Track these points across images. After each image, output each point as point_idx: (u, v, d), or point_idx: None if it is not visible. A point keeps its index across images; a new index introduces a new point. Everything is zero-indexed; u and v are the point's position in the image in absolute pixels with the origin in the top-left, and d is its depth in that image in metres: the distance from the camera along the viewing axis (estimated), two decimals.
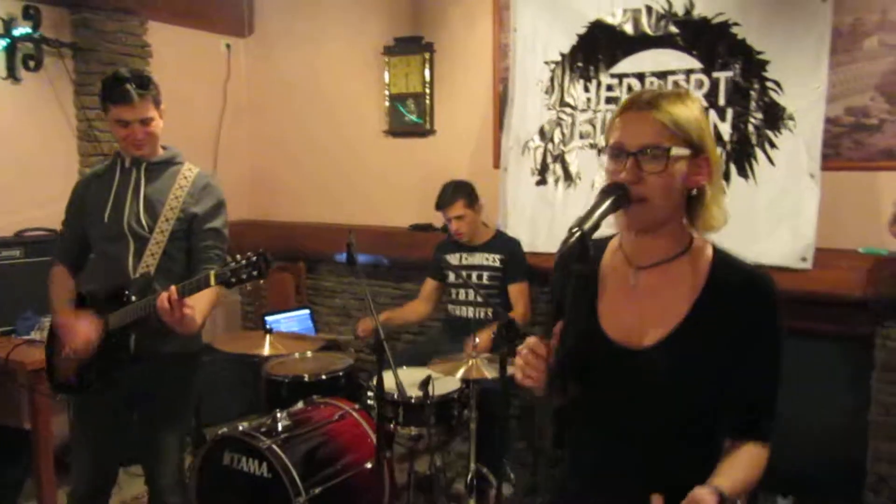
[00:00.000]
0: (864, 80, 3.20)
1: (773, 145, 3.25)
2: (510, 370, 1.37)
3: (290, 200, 4.83)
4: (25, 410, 3.05)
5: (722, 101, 3.35)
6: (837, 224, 3.17)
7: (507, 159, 3.86)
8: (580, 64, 3.70)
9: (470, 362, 2.82)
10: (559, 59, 3.74)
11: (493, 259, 3.58)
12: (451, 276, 3.65)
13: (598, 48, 3.64)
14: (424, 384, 2.79)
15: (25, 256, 3.38)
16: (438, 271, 3.73)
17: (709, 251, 1.39)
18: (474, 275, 3.58)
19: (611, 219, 1.29)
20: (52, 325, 2.48)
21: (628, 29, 3.56)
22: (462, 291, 3.63)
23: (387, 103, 4.35)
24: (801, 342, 3.15)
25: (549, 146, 3.78)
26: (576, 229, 1.18)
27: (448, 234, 3.68)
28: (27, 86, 3.64)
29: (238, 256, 2.12)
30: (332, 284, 4.64)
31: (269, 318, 4.28)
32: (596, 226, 1.22)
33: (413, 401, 2.88)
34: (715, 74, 3.37)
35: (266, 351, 3.01)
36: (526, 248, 3.67)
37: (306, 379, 3.28)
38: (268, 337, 3.06)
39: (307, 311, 4.48)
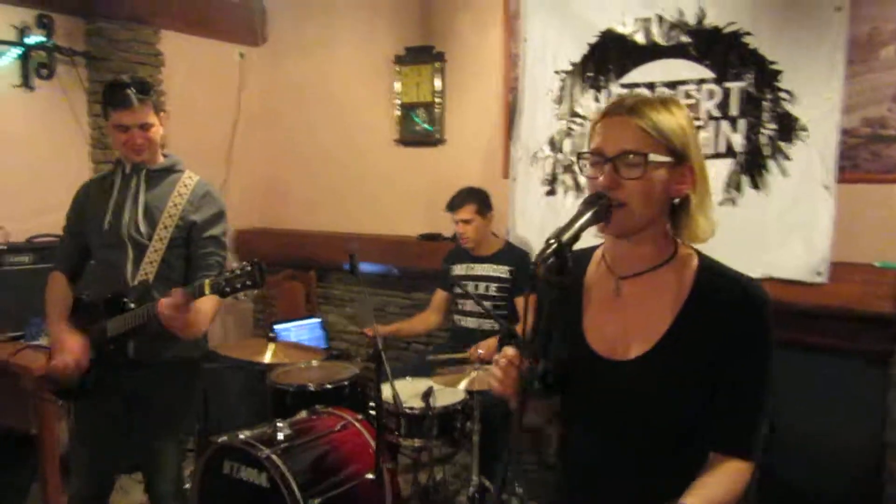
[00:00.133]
0: (882, 91, 3.13)
1: (786, 156, 3.19)
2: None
3: (302, 209, 4.84)
4: (32, 415, 3.05)
5: (734, 112, 3.30)
6: (853, 237, 3.10)
7: (517, 169, 3.83)
8: (590, 74, 3.66)
9: (473, 374, 2.79)
10: (569, 68, 3.71)
11: (501, 270, 3.55)
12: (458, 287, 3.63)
13: (608, 58, 3.60)
14: (426, 395, 2.76)
15: (35, 262, 3.41)
16: (447, 282, 3.70)
17: (694, 260, 1.35)
18: (482, 285, 3.55)
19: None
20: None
21: (639, 38, 3.52)
22: (468, 302, 3.61)
23: (397, 112, 4.35)
24: (813, 357, 3.10)
25: (559, 156, 3.75)
26: (553, 241, 1.16)
27: (457, 243, 3.66)
28: (40, 94, 3.68)
29: (233, 266, 2.12)
30: (342, 293, 4.63)
31: (278, 327, 4.29)
32: (575, 237, 1.19)
33: (416, 412, 2.85)
34: (727, 84, 3.31)
35: (268, 359, 3.00)
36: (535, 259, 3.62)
37: (311, 388, 3.26)
38: (270, 345, 3.05)
39: (317, 320, 4.48)
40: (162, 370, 2.41)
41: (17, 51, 3.57)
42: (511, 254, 3.60)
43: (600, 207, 1.24)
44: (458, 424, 2.95)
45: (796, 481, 3.08)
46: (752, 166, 3.27)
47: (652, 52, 3.50)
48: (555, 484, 1.52)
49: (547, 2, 3.75)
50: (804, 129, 3.14)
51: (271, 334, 3.11)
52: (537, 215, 3.80)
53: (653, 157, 1.24)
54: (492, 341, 3.27)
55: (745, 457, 1.30)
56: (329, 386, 3.27)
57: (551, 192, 3.78)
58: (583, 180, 3.69)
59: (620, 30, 3.57)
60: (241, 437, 2.73)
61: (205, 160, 4.54)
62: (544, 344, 1.24)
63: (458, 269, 3.62)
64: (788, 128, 3.18)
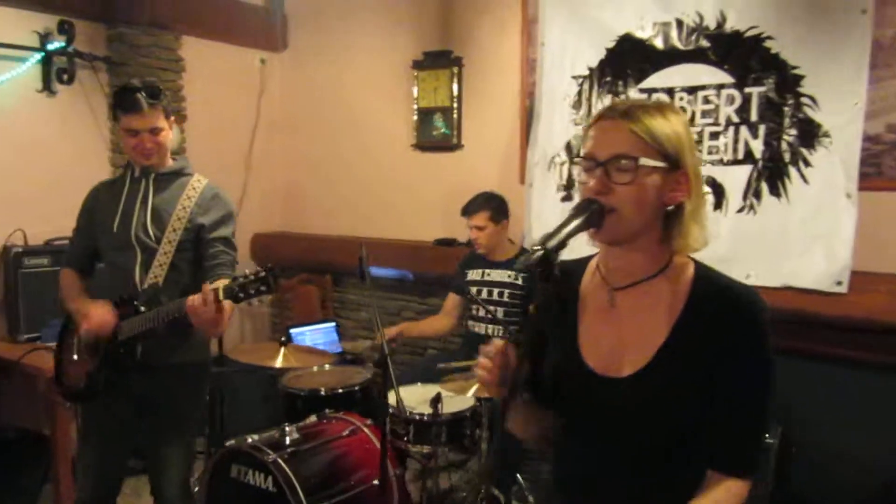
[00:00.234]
0: None
1: (807, 163, 3.11)
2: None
3: (320, 213, 4.85)
4: (45, 416, 3.09)
5: (754, 118, 3.24)
6: (877, 246, 3.02)
7: (533, 175, 3.80)
8: (608, 78, 3.62)
9: None
10: (587, 73, 3.67)
11: (515, 276, 3.52)
12: (473, 291, 3.60)
13: (626, 63, 3.56)
14: (435, 402, 2.74)
15: (53, 265, 3.45)
16: (461, 286, 3.68)
17: (690, 269, 1.31)
18: (496, 291, 3.52)
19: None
20: (67, 315, 2.50)
21: (658, 43, 3.47)
22: (481, 307, 3.58)
23: (415, 117, 4.34)
24: (833, 369, 3.02)
25: (576, 162, 3.71)
26: (538, 247, 1.13)
27: (472, 249, 3.64)
28: (62, 99, 3.73)
29: (247, 271, 2.13)
30: (358, 297, 4.63)
31: (294, 331, 4.30)
32: (562, 244, 1.15)
33: (425, 418, 2.83)
34: (747, 90, 3.25)
35: (279, 363, 3.00)
36: None
37: (322, 393, 3.25)
38: (282, 349, 3.05)
39: (332, 324, 4.48)
40: (170, 374, 2.42)
41: (38, 56, 3.62)
42: None
43: (591, 213, 1.21)
44: (468, 431, 2.92)
45: (814, 496, 3.00)
46: (773, 173, 3.20)
47: (671, 56, 3.45)
48: (549, 495, 1.49)
49: (565, 6, 3.72)
50: (826, 135, 3.07)
51: (283, 338, 3.10)
52: (553, 221, 3.71)
53: (644, 161, 1.21)
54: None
55: (742, 475, 1.25)
56: (340, 390, 3.27)
57: (567, 198, 3.74)
58: None
59: (639, 34, 3.52)
60: (249, 441, 2.73)
61: (225, 165, 4.59)
62: (532, 349, 1.20)
63: (473, 275, 3.60)
64: (810, 134, 3.11)
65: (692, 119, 3.37)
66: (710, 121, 3.34)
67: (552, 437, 1.39)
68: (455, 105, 4.19)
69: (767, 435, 2.70)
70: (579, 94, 3.72)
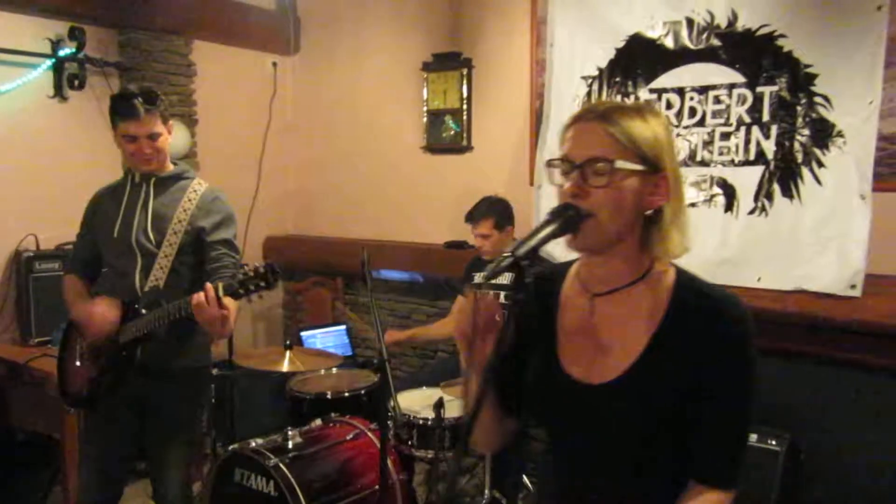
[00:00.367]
0: None
1: (820, 164, 3.05)
2: None
3: (331, 216, 4.85)
4: (55, 419, 3.11)
5: (766, 117, 3.17)
6: (892, 249, 2.95)
7: (542, 177, 3.76)
8: (618, 79, 3.57)
9: None
10: (596, 73, 3.63)
11: None
12: None
13: (636, 63, 3.51)
14: (438, 406, 2.72)
15: (64, 270, 3.47)
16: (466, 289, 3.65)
17: (671, 276, 1.27)
18: (502, 295, 3.48)
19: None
20: (69, 321, 2.52)
21: (668, 42, 3.42)
22: None
23: (425, 119, 4.32)
24: (846, 374, 2.95)
25: None
26: (508, 254, 1.10)
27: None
28: (73, 104, 3.77)
29: (246, 268, 2.13)
30: (369, 300, 4.60)
31: (304, 333, 4.31)
32: (532, 251, 1.12)
33: (428, 423, 2.81)
34: (759, 89, 3.19)
35: (285, 367, 3.00)
36: None
37: (329, 396, 3.25)
38: (287, 353, 3.05)
39: (343, 327, 4.48)
40: (170, 379, 2.43)
41: (49, 62, 3.66)
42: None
43: (565, 219, 1.17)
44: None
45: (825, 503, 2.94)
46: (785, 174, 3.13)
47: (681, 56, 3.39)
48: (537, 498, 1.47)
49: (574, 6, 3.68)
50: (840, 135, 3.00)
51: (287, 342, 3.10)
52: None
53: (620, 164, 1.17)
54: None
55: (722, 488, 1.21)
56: (346, 394, 3.26)
57: None
58: None
59: (649, 34, 3.47)
60: (252, 445, 2.73)
61: (236, 168, 4.61)
62: (503, 359, 1.17)
63: (480, 278, 3.57)
64: (823, 134, 3.04)
65: (703, 119, 3.33)
66: (721, 121, 3.28)
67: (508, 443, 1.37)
68: (464, 107, 4.17)
69: (774, 443, 2.64)
70: (589, 94, 3.67)
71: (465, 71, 4.15)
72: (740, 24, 3.22)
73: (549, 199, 3.75)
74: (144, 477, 2.57)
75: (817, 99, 3.05)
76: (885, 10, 2.88)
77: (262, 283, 2.10)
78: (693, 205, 3.35)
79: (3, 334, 3.57)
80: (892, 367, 2.92)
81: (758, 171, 3.19)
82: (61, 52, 3.67)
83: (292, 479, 2.55)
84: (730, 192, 3.26)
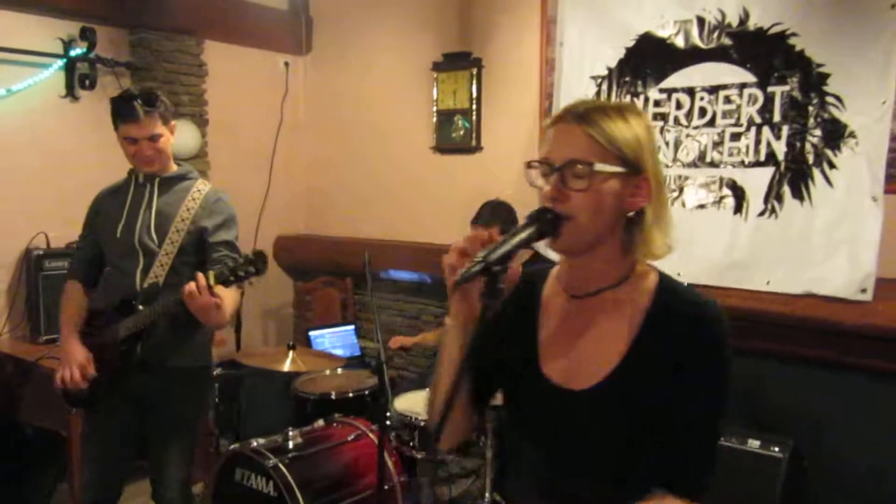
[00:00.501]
0: None
1: (831, 165, 2.99)
2: None
3: (342, 216, 4.85)
4: (62, 416, 3.13)
5: (777, 118, 3.12)
6: None
7: None
8: (627, 79, 3.54)
9: None
10: (606, 73, 3.59)
11: None
12: None
13: (646, 62, 3.47)
14: None
15: (67, 273, 3.50)
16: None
17: (652, 280, 1.25)
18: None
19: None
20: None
21: (679, 42, 3.38)
22: None
23: (434, 119, 4.31)
24: (855, 379, 2.90)
25: None
26: (479, 259, 1.08)
27: None
28: (84, 104, 3.80)
29: (235, 255, 2.20)
30: (379, 301, 4.61)
31: (313, 333, 4.32)
32: (506, 256, 1.10)
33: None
34: (770, 89, 3.14)
35: (287, 367, 3.00)
36: None
37: (333, 397, 3.25)
38: (290, 353, 3.05)
39: (352, 327, 4.49)
40: (171, 377, 2.44)
41: (61, 62, 3.70)
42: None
43: (542, 223, 1.15)
44: (473, 439, 2.88)
45: None
46: (796, 175, 3.08)
47: (692, 55, 3.35)
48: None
49: (584, 6, 3.65)
50: (852, 135, 2.94)
51: (290, 342, 3.10)
52: None
53: (600, 167, 1.15)
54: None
55: (689, 496, 1.18)
56: (350, 395, 3.26)
57: None
58: None
59: (659, 33, 3.43)
60: (253, 445, 2.73)
61: (248, 168, 4.63)
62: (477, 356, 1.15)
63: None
64: (835, 134, 2.98)
65: (713, 120, 3.28)
66: (732, 121, 3.23)
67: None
68: (474, 107, 4.15)
69: (777, 449, 2.59)
70: (598, 94, 3.63)
71: (474, 71, 4.13)
72: (752, 23, 3.17)
73: None
74: (145, 476, 2.57)
75: (829, 99, 2.99)
76: None
77: (251, 269, 2.16)
78: (702, 206, 3.31)
79: (14, 331, 3.61)
80: None
81: (768, 172, 3.14)
82: (72, 52, 3.70)
83: (291, 480, 2.56)
84: (739, 194, 3.21)
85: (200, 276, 2.14)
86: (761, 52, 3.15)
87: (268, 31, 4.69)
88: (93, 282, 2.56)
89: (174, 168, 2.51)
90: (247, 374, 3.38)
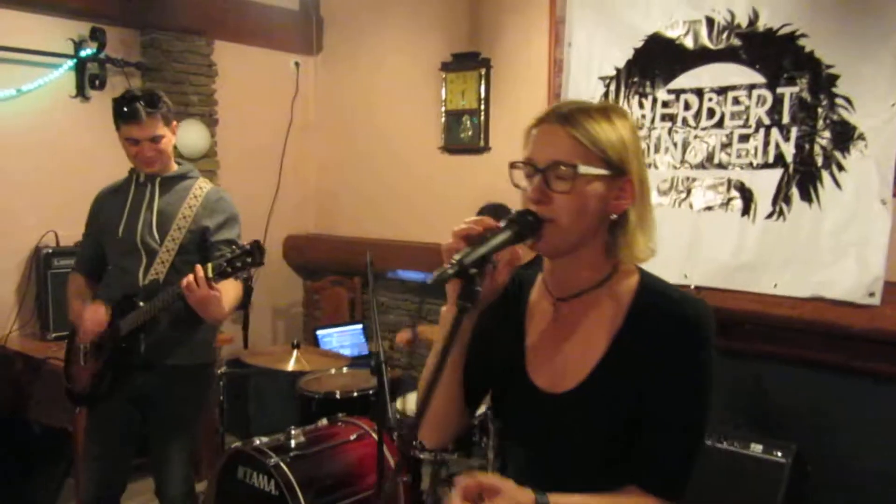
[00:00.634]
0: None
1: (840, 167, 2.96)
2: None
3: (351, 216, 4.86)
4: (69, 412, 3.16)
5: (786, 119, 3.09)
6: None
7: None
8: (636, 79, 3.52)
9: None
10: (614, 74, 3.58)
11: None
12: None
13: (654, 63, 3.45)
14: None
15: (71, 269, 3.54)
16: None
17: (634, 279, 1.24)
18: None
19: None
20: (72, 324, 2.57)
21: (688, 42, 3.36)
22: None
23: (443, 119, 4.30)
24: (863, 384, 2.86)
25: None
26: (454, 261, 1.08)
27: None
28: (95, 104, 3.83)
29: (233, 247, 2.19)
30: (387, 300, 4.62)
31: (321, 332, 4.33)
32: (482, 259, 1.09)
33: None
34: (779, 90, 3.11)
35: (291, 366, 3.01)
36: None
37: (337, 396, 3.26)
38: (295, 352, 3.06)
39: (360, 326, 4.49)
40: (172, 374, 2.46)
41: (71, 63, 3.73)
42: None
43: (522, 226, 1.15)
44: (476, 439, 2.87)
45: None
46: (804, 178, 3.05)
47: (700, 56, 3.33)
48: None
49: (592, 6, 3.64)
50: (861, 137, 2.91)
51: (295, 341, 3.11)
52: None
53: (583, 169, 1.14)
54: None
55: (666, 496, 1.17)
56: (355, 394, 3.27)
57: None
58: None
59: (668, 33, 3.41)
60: (256, 443, 2.74)
61: (257, 168, 4.65)
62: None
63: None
64: (844, 136, 2.95)
65: (721, 121, 3.25)
66: (740, 122, 3.21)
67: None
68: (482, 107, 4.14)
69: (780, 454, 2.56)
70: (606, 95, 3.62)
71: (483, 71, 4.12)
72: (761, 24, 3.15)
73: None
74: (148, 473, 2.59)
75: (839, 100, 2.96)
76: None
77: (248, 260, 2.15)
78: (709, 208, 3.29)
79: (24, 329, 3.65)
80: None
81: (776, 174, 3.11)
82: (83, 53, 3.74)
83: (292, 479, 2.55)
84: (747, 196, 3.18)
85: (199, 268, 2.16)
86: (770, 52, 3.12)
87: (278, 32, 4.71)
88: (97, 277, 2.58)
89: (175, 167, 2.53)
90: (253, 373, 3.39)
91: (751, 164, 3.18)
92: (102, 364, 2.42)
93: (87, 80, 3.78)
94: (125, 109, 2.34)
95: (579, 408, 1.21)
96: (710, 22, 3.29)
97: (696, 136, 3.34)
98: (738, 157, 3.22)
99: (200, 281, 2.14)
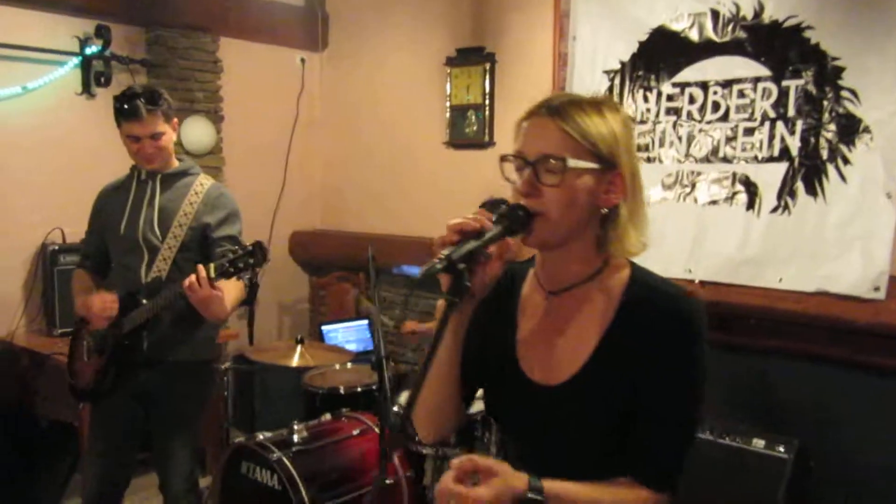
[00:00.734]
0: None
1: (846, 161, 2.93)
2: None
3: (356, 211, 4.87)
4: (75, 407, 3.18)
5: (791, 112, 3.06)
6: None
7: None
8: (640, 73, 3.50)
9: None
10: (618, 67, 3.56)
11: None
12: None
13: (659, 56, 3.43)
14: None
15: (76, 266, 3.57)
16: None
17: (625, 273, 1.24)
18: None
19: None
20: (77, 319, 2.58)
21: (693, 35, 3.33)
22: None
23: (448, 115, 4.30)
24: (869, 379, 2.84)
25: None
26: (442, 257, 1.07)
27: None
28: (100, 101, 3.84)
29: (236, 248, 2.19)
30: (392, 295, 4.63)
31: (326, 328, 4.34)
32: (470, 254, 1.09)
33: None
34: (784, 83, 3.08)
35: (295, 362, 3.02)
36: None
37: (341, 391, 3.26)
38: (299, 347, 3.07)
39: (366, 322, 4.50)
40: (175, 370, 2.47)
41: (77, 60, 3.75)
42: None
43: (511, 220, 1.14)
44: (479, 434, 2.87)
45: None
46: (809, 171, 3.02)
47: (705, 49, 3.30)
48: None
49: None
50: (867, 130, 2.88)
51: (299, 336, 3.12)
52: None
53: (573, 163, 1.14)
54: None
55: (655, 489, 1.18)
56: (359, 389, 3.27)
57: None
58: None
59: (673, 26, 3.39)
60: (259, 438, 2.75)
61: (263, 164, 4.66)
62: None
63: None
64: (850, 129, 2.92)
65: (726, 114, 3.23)
66: (745, 116, 3.18)
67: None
68: (487, 102, 4.13)
69: (782, 449, 2.54)
70: (610, 89, 3.60)
71: (488, 65, 4.11)
72: (767, 16, 3.12)
73: None
74: (152, 469, 2.61)
75: (844, 93, 2.93)
76: None
77: (250, 261, 2.16)
78: (714, 202, 3.27)
79: (30, 325, 3.69)
80: None
81: (781, 167, 3.09)
82: (88, 50, 3.76)
83: (295, 473, 2.57)
84: (752, 190, 3.16)
85: (201, 268, 2.17)
86: (776, 45, 3.09)
87: (283, 28, 4.71)
88: (101, 273, 2.59)
89: (176, 164, 2.54)
90: (258, 369, 3.40)
91: (756, 157, 3.16)
92: (105, 360, 2.44)
93: (92, 77, 3.80)
94: (125, 107, 2.35)
95: (572, 400, 1.21)
96: (715, 14, 3.26)
97: (700, 130, 3.32)
98: (743, 150, 3.19)
99: (202, 281, 2.15)
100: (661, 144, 3.44)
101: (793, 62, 3.06)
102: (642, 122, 3.50)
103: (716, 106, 3.28)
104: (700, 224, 3.28)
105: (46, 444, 3.37)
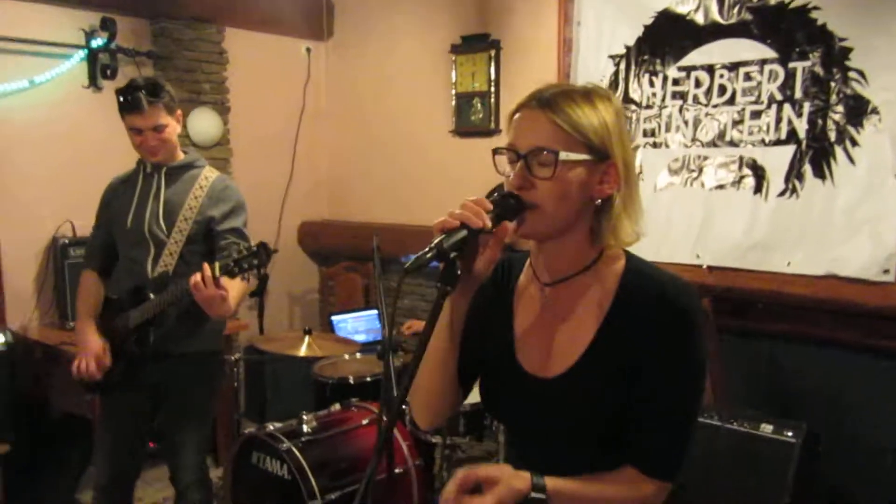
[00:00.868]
0: None
1: (854, 143, 2.91)
2: None
3: (364, 201, 4.87)
4: (88, 400, 3.22)
5: (798, 94, 3.04)
6: None
7: None
8: (646, 57, 3.48)
9: None
10: (623, 52, 3.54)
11: None
12: None
13: (665, 39, 3.41)
14: None
15: (82, 263, 3.58)
16: None
17: (620, 263, 1.23)
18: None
19: None
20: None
21: (698, 18, 3.31)
22: None
23: (453, 103, 4.29)
24: (879, 362, 2.83)
25: None
26: (433, 245, 1.08)
27: None
28: (107, 94, 3.85)
29: (241, 247, 2.20)
30: (389, 285, 4.62)
31: (335, 318, 4.35)
32: (461, 241, 1.09)
33: None
34: (791, 65, 3.06)
35: (303, 352, 3.04)
36: None
37: (351, 381, 3.28)
38: (306, 338, 3.09)
39: (375, 312, 4.50)
40: (182, 363, 2.48)
41: (83, 53, 3.76)
42: None
43: (504, 208, 1.14)
44: (487, 423, 2.89)
45: (844, 496, 2.83)
46: (817, 154, 3.00)
47: (711, 31, 3.28)
48: None
49: None
50: (875, 111, 2.86)
51: (306, 328, 3.14)
52: None
53: (565, 155, 1.13)
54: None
55: (660, 477, 1.18)
56: (368, 379, 3.29)
57: None
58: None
59: (678, 9, 3.37)
60: (269, 428, 2.78)
61: (270, 155, 4.67)
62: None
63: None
64: (858, 111, 2.90)
65: (733, 97, 3.21)
66: (752, 99, 3.16)
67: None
68: (493, 89, 4.11)
69: (791, 434, 2.54)
70: (616, 74, 3.59)
71: (493, 52, 4.09)
72: None
73: None
74: (163, 461, 2.64)
75: (852, 74, 2.90)
76: None
77: (255, 262, 2.17)
78: (721, 186, 3.25)
79: (43, 318, 3.72)
80: None
81: (789, 150, 3.07)
82: (94, 43, 3.76)
83: (304, 463, 2.59)
84: (759, 174, 3.14)
85: (206, 267, 2.17)
86: (783, 26, 3.07)
87: (288, 18, 4.69)
88: (108, 269, 2.61)
89: (181, 156, 2.54)
90: (269, 359, 3.42)
91: (763, 140, 3.14)
92: (114, 354, 2.46)
93: (98, 70, 3.81)
94: (127, 99, 2.35)
95: (570, 392, 1.21)
96: None
97: (707, 114, 3.29)
98: (750, 134, 3.17)
99: (207, 280, 2.16)
100: (668, 129, 3.41)
101: (799, 43, 3.03)
102: (648, 106, 3.48)
103: (722, 89, 3.25)
104: (707, 209, 3.26)
105: (60, 435, 3.41)
